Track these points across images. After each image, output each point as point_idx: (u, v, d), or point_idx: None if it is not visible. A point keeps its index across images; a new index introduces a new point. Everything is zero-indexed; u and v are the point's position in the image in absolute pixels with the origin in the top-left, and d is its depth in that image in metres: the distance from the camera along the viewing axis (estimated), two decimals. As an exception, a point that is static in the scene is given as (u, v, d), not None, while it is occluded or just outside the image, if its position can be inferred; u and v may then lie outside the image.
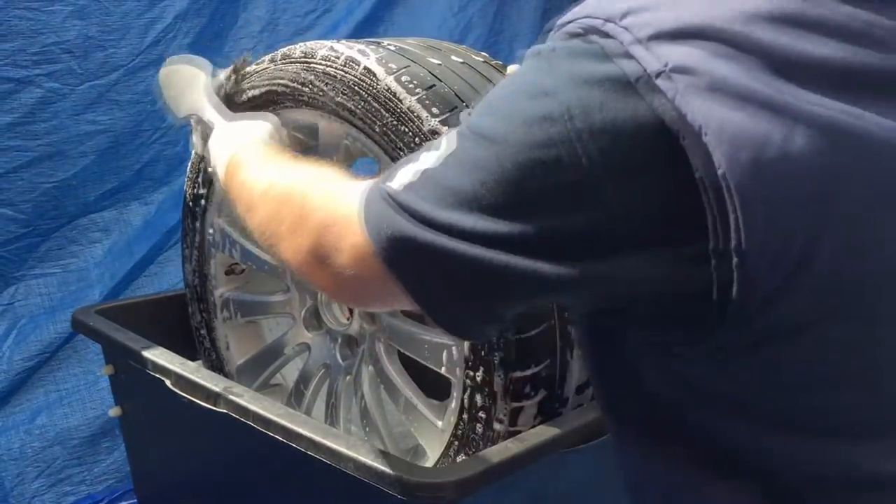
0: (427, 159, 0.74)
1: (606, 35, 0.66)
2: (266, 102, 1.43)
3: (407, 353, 1.37)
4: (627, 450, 0.86)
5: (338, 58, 1.32)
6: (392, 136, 1.25)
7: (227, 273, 1.68)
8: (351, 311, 1.49)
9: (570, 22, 0.69)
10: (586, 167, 0.65)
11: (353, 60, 1.30)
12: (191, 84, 1.43)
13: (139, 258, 2.21)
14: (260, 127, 1.28)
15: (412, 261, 0.73)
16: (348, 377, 1.46)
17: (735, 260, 0.63)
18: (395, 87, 1.24)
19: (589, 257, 0.68)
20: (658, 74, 0.63)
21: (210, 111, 1.37)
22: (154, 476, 1.70)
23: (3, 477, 1.99)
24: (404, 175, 0.75)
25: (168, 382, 1.38)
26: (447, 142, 0.73)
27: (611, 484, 0.95)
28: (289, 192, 0.90)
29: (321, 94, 1.34)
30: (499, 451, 1.10)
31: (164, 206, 2.25)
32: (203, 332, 1.71)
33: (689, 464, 0.78)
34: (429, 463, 1.32)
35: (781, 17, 0.66)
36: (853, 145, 0.64)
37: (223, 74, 1.48)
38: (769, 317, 0.66)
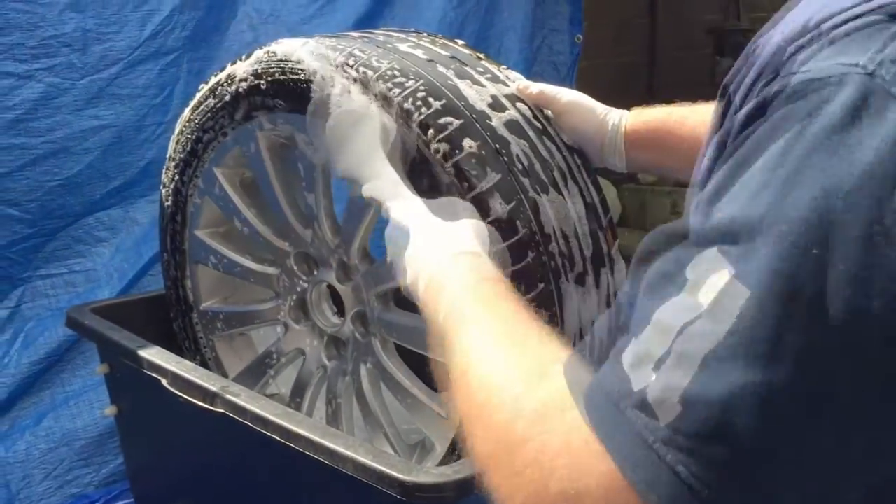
0: None
1: None
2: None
3: (407, 347, 1.31)
4: None
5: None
6: None
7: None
8: (342, 311, 1.44)
9: None
10: None
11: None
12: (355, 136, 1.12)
13: (148, 258, 2.16)
14: (464, 233, 0.96)
15: None
16: (346, 378, 1.42)
17: None
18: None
19: None
20: None
21: (388, 188, 1.07)
22: (151, 476, 1.67)
23: (10, 480, 1.96)
24: None
25: (164, 381, 1.35)
26: None
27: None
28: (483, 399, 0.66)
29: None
30: (502, 449, 1.06)
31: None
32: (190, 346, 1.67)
33: None
34: (437, 455, 1.29)
35: None
36: None
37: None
38: None
